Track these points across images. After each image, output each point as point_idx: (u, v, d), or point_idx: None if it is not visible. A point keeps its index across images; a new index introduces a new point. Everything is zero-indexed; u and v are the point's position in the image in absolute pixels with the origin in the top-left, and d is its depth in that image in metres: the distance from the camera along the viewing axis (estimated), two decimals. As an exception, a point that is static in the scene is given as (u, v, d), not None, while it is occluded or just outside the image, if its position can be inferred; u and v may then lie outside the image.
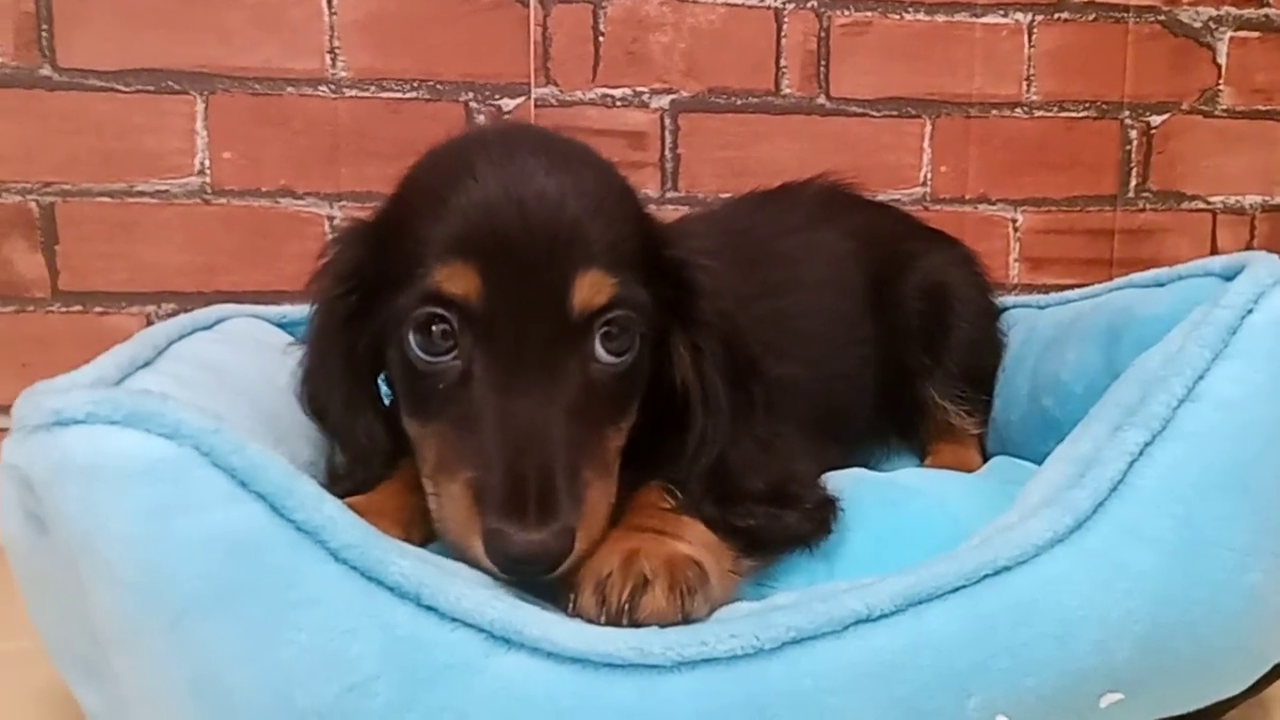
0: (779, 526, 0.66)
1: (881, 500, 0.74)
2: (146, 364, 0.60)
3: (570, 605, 0.53)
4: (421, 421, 0.63)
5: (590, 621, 0.51)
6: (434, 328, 0.61)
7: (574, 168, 0.65)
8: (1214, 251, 1.50)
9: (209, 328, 0.77)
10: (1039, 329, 1.02)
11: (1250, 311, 0.62)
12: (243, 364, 0.73)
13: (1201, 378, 0.60)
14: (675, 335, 0.68)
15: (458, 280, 0.60)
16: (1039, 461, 0.79)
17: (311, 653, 0.43)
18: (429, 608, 0.45)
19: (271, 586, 0.43)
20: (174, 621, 0.42)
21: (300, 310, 1.02)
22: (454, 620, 0.45)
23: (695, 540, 0.60)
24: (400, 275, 0.62)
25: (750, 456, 0.69)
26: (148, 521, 0.42)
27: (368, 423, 0.69)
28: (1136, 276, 0.91)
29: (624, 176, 0.72)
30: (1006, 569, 0.54)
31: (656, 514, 0.63)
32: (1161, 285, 0.86)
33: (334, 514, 0.44)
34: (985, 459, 1.03)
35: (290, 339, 0.94)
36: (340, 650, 0.43)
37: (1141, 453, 0.59)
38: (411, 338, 0.62)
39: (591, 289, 0.61)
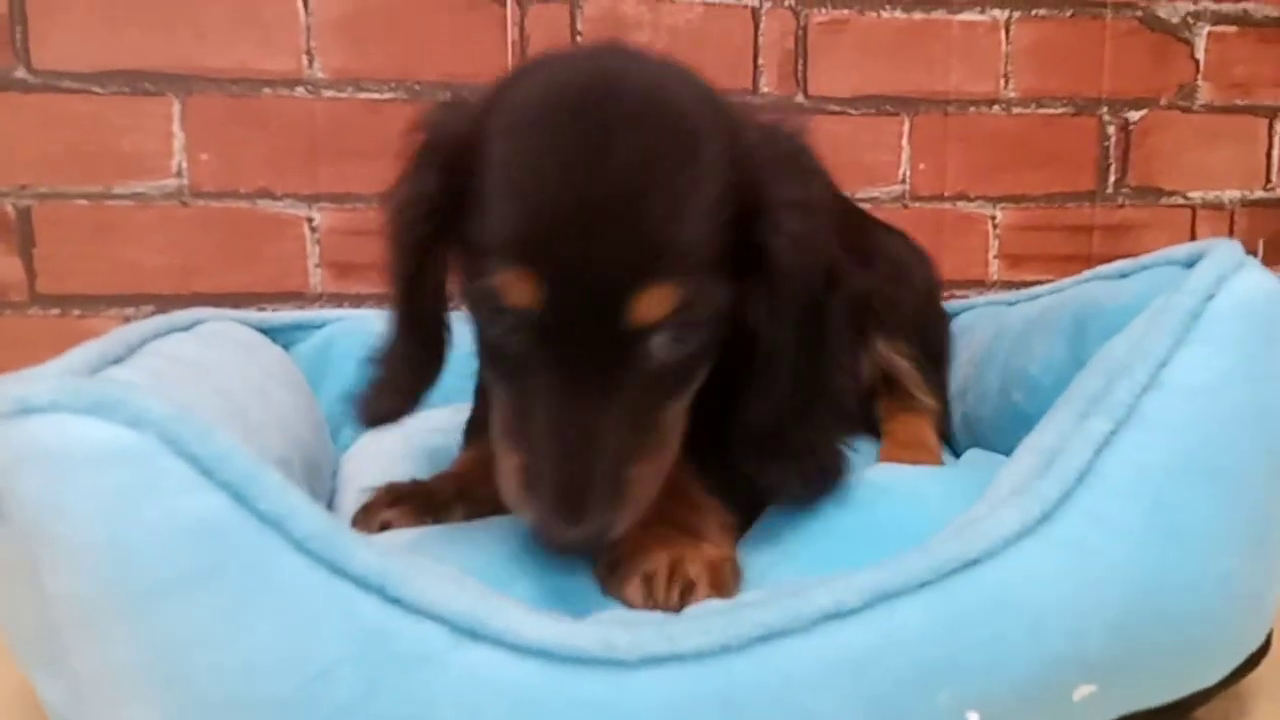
0: (788, 486, 0.69)
1: (849, 500, 0.73)
2: (118, 360, 0.60)
3: (611, 587, 0.60)
4: (490, 375, 0.65)
5: (630, 607, 0.59)
6: (499, 314, 0.61)
7: (659, 143, 0.60)
8: (1192, 246, 1.50)
9: (186, 329, 0.77)
10: (1008, 325, 1.02)
11: (1212, 297, 0.62)
12: (219, 362, 0.73)
13: (1164, 365, 0.60)
14: (754, 283, 0.64)
15: (517, 288, 0.58)
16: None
17: (275, 641, 0.42)
18: (394, 599, 0.44)
19: (234, 574, 0.42)
20: (135, 606, 0.42)
21: (281, 316, 1.03)
22: (419, 612, 0.45)
23: (718, 538, 0.66)
24: (473, 243, 0.61)
25: (806, 406, 0.69)
26: (110, 508, 0.41)
27: (420, 339, 0.71)
28: (1101, 269, 0.91)
29: (716, 111, 0.65)
30: (976, 562, 0.53)
31: (685, 504, 0.66)
32: (1125, 276, 0.85)
33: (297, 504, 0.44)
34: (949, 447, 1.04)
35: (269, 343, 0.95)
36: (304, 640, 0.43)
37: (1107, 441, 0.58)
38: (480, 308, 0.63)
39: (653, 304, 0.58)
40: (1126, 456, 0.58)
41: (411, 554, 0.51)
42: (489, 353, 0.64)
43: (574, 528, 0.57)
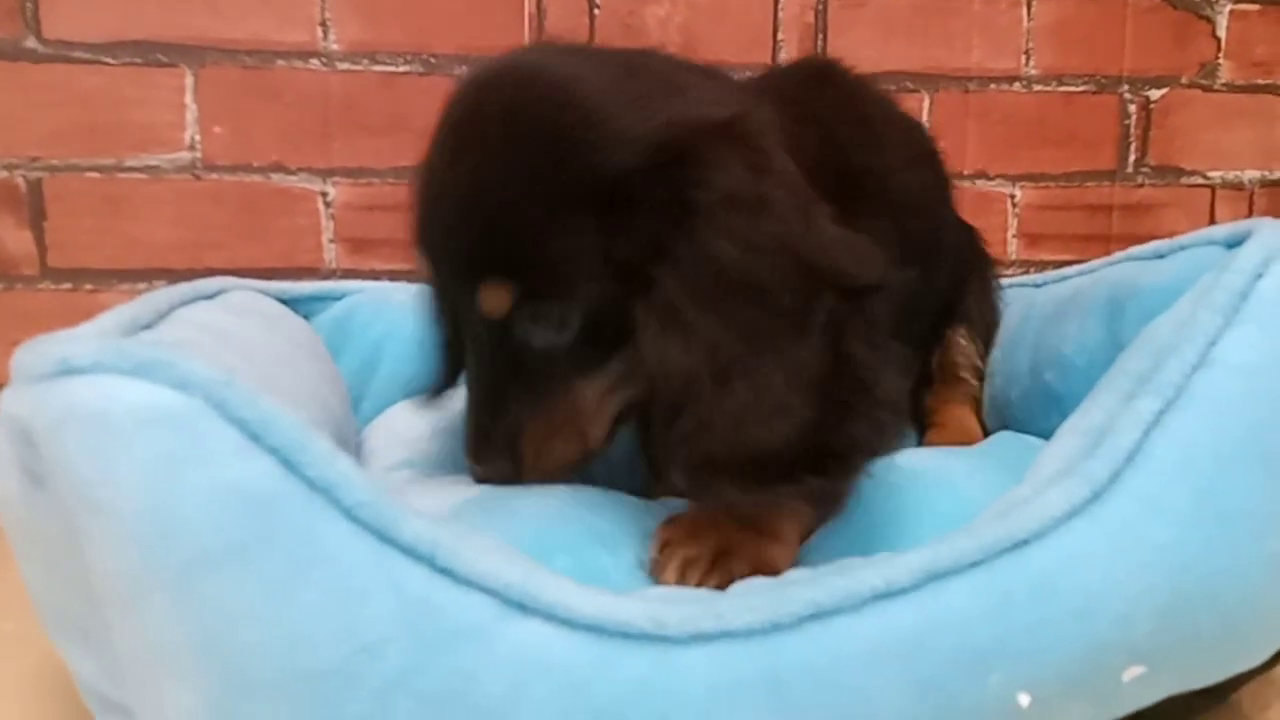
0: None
1: (881, 484, 0.72)
2: (148, 326, 0.59)
3: (655, 566, 0.59)
4: None
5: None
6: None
7: (505, 151, 0.63)
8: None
9: (210, 297, 0.76)
10: (1037, 306, 1.02)
11: (1260, 276, 0.61)
12: (245, 331, 0.72)
13: (1214, 343, 0.59)
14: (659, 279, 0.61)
15: (420, 264, 0.68)
16: (1042, 437, 0.79)
17: (322, 612, 0.41)
18: (443, 570, 0.43)
19: (282, 543, 0.41)
20: (179, 575, 0.40)
21: (301, 286, 1.01)
22: (468, 584, 0.44)
23: (788, 534, 0.64)
24: None
25: (761, 407, 0.59)
26: (155, 472, 0.40)
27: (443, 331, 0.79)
28: (1135, 250, 0.91)
29: (592, 122, 0.62)
30: (1025, 543, 0.53)
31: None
32: (1162, 257, 0.85)
33: (346, 470, 0.43)
34: (985, 433, 1.03)
35: (292, 313, 0.94)
36: (352, 611, 0.42)
37: (1156, 421, 0.57)
38: None
39: (493, 299, 0.64)
40: (1176, 436, 0.57)
41: (454, 524, 0.50)
42: None
43: (481, 466, 0.69)
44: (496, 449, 0.68)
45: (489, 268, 0.63)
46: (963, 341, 1.05)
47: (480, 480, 0.70)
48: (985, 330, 1.05)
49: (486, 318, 0.64)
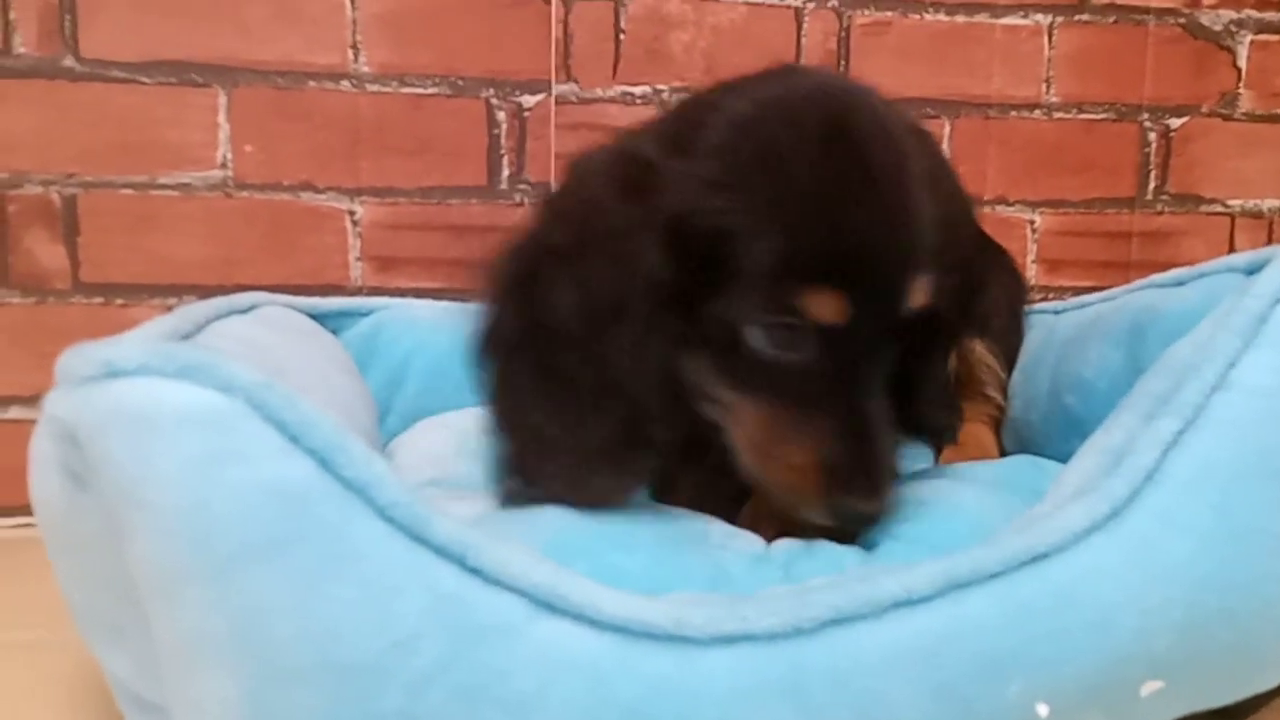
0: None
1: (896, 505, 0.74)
2: (187, 337, 0.61)
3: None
4: (743, 392, 0.68)
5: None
6: (785, 332, 0.65)
7: (902, 154, 0.68)
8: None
9: (245, 312, 0.78)
10: (1057, 331, 1.03)
11: (1279, 301, 0.62)
12: (280, 346, 0.74)
13: (1233, 365, 0.60)
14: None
15: (824, 306, 0.64)
16: (1062, 460, 0.79)
17: (356, 607, 0.43)
18: (474, 570, 0.45)
19: (319, 540, 0.43)
20: (219, 569, 0.42)
21: (330, 302, 1.03)
22: (498, 584, 0.45)
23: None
24: (739, 275, 0.64)
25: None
26: (198, 470, 0.42)
27: (666, 390, 0.68)
28: (1156, 277, 0.92)
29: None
30: (1044, 556, 0.53)
31: None
32: (1183, 284, 0.86)
33: (380, 472, 0.44)
34: (1003, 455, 1.03)
35: (322, 329, 0.95)
36: (385, 607, 0.43)
37: (1175, 441, 0.58)
38: (754, 333, 0.66)
39: (921, 292, 0.67)
40: (1195, 456, 0.57)
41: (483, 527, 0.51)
42: (744, 366, 0.67)
43: (878, 503, 0.66)
44: (889, 477, 0.68)
45: (925, 263, 0.67)
46: (986, 356, 1.05)
47: (858, 522, 0.68)
48: (1007, 350, 1.06)
49: (912, 312, 0.67)
